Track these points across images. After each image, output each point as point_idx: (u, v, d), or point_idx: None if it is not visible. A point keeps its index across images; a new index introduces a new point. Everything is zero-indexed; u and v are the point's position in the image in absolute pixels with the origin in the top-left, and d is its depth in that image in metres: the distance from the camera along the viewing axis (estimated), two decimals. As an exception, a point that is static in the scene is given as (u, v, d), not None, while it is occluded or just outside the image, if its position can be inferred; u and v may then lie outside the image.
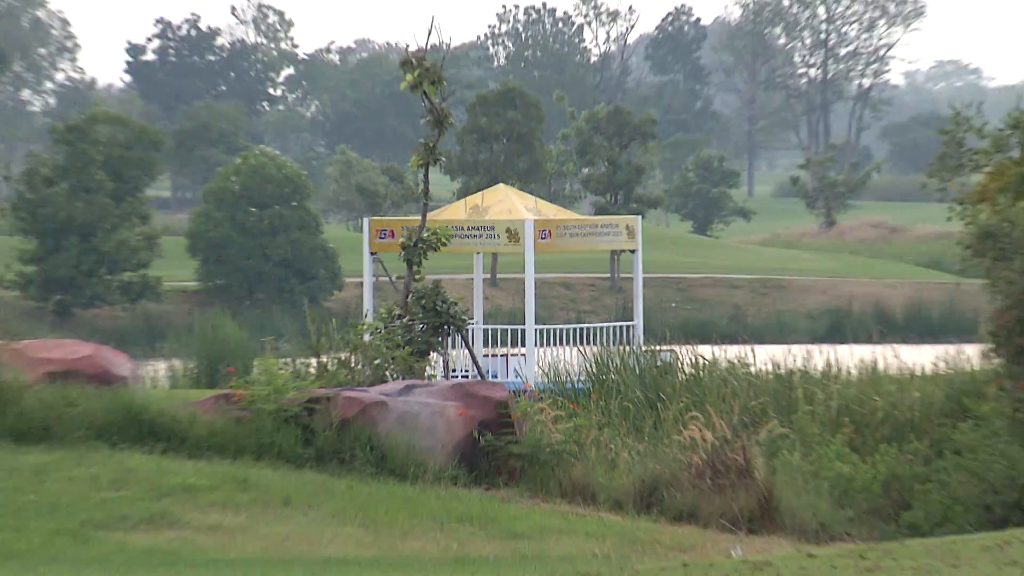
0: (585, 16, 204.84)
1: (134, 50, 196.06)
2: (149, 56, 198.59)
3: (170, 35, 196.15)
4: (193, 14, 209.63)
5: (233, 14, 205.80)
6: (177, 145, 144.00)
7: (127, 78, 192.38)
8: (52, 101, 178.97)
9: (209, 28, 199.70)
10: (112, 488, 43.14)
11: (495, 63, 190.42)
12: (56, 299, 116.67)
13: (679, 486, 46.27)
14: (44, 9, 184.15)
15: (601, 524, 44.02)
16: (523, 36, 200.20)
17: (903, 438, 53.50)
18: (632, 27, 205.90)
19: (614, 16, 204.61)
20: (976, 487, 48.50)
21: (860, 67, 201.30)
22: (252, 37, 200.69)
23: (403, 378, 51.06)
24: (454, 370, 56.20)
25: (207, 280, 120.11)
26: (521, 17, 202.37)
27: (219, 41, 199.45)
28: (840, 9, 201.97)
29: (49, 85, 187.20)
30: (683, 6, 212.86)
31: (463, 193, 79.88)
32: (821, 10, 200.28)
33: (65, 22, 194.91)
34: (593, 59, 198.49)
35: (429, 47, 62.66)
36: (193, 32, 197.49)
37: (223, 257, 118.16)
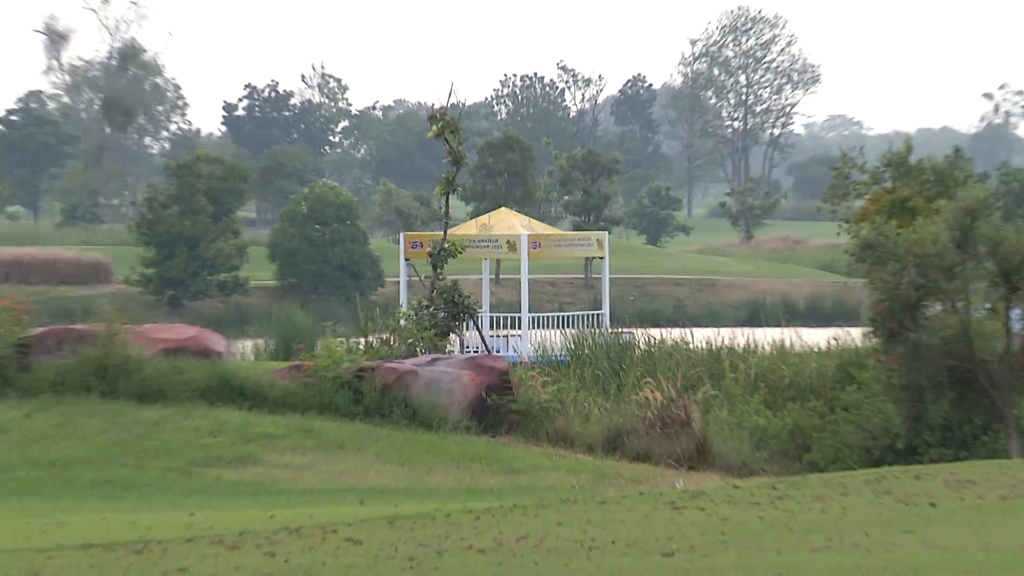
0: (565, 82, 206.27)
1: (228, 107, 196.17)
2: (240, 112, 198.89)
3: (255, 96, 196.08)
4: (273, 80, 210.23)
5: (303, 80, 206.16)
6: (260, 178, 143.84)
7: (223, 128, 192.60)
8: (167, 145, 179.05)
9: (284, 91, 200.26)
10: (210, 436, 44.22)
11: (498, 117, 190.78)
12: (169, 294, 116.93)
13: (636, 434, 47.43)
14: (161, 77, 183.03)
15: (578, 463, 45.32)
16: (519, 97, 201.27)
17: (804, 398, 54.33)
18: (600, 90, 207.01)
19: (587, 82, 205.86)
20: (859, 435, 50.02)
21: (771, 120, 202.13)
22: (317, 97, 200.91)
23: (429, 353, 51.88)
24: (467, 347, 56.89)
25: (282, 279, 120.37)
26: (518, 83, 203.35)
27: (292, 100, 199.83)
28: (756, 77, 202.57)
29: (164, 134, 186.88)
30: (639, 74, 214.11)
31: (474, 214, 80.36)
32: (742, 78, 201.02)
33: (177, 86, 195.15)
34: (572, 114, 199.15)
35: (449, 105, 64.59)
36: (273, 94, 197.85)
37: (294, 262, 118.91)
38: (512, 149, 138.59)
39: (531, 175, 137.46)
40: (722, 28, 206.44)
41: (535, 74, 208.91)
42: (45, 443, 43.71)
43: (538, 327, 66.91)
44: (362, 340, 55.42)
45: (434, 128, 64.27)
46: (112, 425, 44.61)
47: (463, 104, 79.80)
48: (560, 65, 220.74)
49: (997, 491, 32.12)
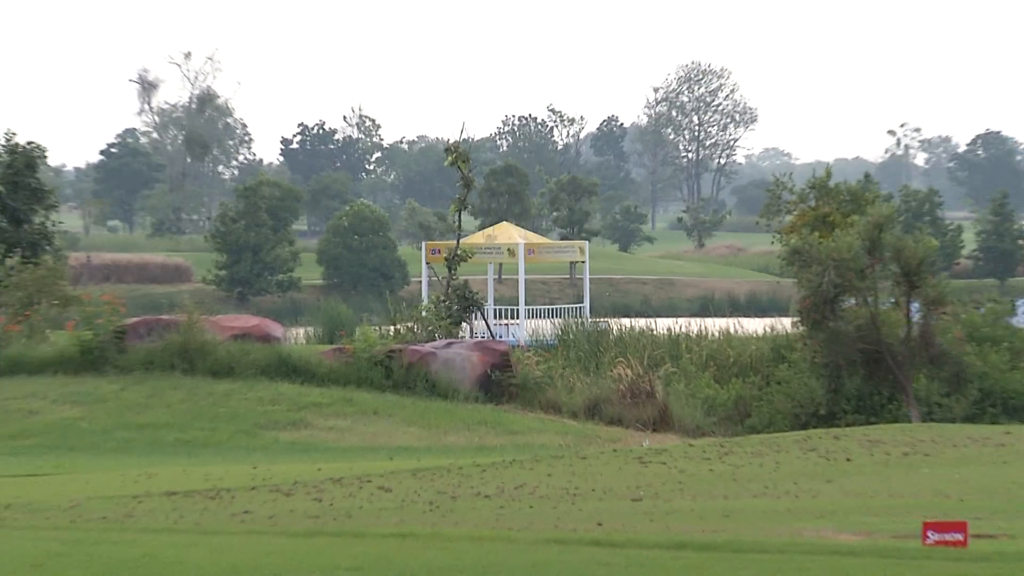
0: (554, 121, 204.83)
1: (285, 141, 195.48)
2: (294, 145, 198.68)
3: (306, 132, 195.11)
4: (320, 119, 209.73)
5: (344, 120, 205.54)
6: (310, 199, 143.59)
7: (281, 158, 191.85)
8: (236, 172, 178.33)
9: (330, 128, 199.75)
10: (270, 404, 44.19)
11: (500, 149, 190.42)
12: (237, 290, 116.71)
13: (611, 403, 47.34)
14: (231, 117, 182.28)
15: (564, 426, 45.25)
16: (517, 133, 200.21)
17: (745, 374, 53.79)
18: (582, 128, 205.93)
19: (571, 121, 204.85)
20: (789, 404, 49.46)
21: (718, 152, 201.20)
22: (355, 134, 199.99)
23: (445, 338, 51.71)
24: (476, 333, 56.61)
25: (328, 279, 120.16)
26: (516, 122, 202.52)
27: (336, 136, 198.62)
28: (706, 117, 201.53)
29: (233, 163, 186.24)
30: (613, 115, 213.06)
31: (481, 227, 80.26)
32: (695, 118, 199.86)
33: (244, 124, 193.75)
34: (559, 147, 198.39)
35: (461, 139, 65.44)
36: (320, 131, 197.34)
37: (337, 265, 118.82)
38: (511, 175, 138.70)
39: (526, 196, 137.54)
40: (679, 78, 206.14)
41: (530, 115, 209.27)
42: (137, 411, 43.85)
43: (532, 317, 66.70)
44: (391, 328, 55.38)
45: (449, 158, 64.74)
46: (191, 396, 44.73)
47: (472, 139, 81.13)
48: (550, 108, 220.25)
49: (900, 448, 32.12)
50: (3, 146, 66.34)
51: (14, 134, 66.99)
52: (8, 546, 16.81)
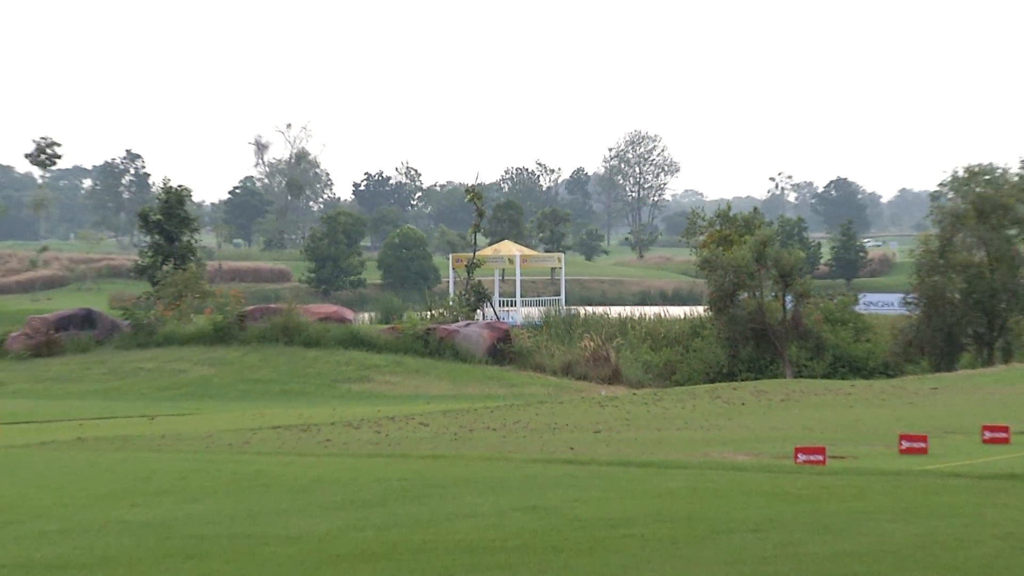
0: (540, 171, 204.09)
1: (355, 185, 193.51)
2: (362, 187, 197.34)
3: (370, 179, 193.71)
4: (380, 169, 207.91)
5: (396, 170, 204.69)
6: (373, 224, 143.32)
7: (352, 196, 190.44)
8: (321, 205, 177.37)
9: (385, 175, 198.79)
10: (344, 365, 44.14)
11: (503, 189, 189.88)
12: (322, 287, 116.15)
13: (579, 364, 47.39)
14: (318, 168, 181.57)
15: (547, 381, 45.29)
16: (514, 178, 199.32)
17: (672, 344, 52.85)
18: (559, 175, 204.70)
19: (552, 171, 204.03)
20: (702, 365, 49.20)
21: (653, 192, 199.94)
22: (404, 179, 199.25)
23: (465, 320, 51.02)
24: (486, 317, 56.07)
25: (384, 280, 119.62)
26: (514, 172, 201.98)
27: (390, 180, 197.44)
28: (644, 168, 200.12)
29: (320, 199, 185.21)
30: (581, 167, 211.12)
31: (490, 243, 79.99)
32: (637, 169, 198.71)
33: (327, 173, 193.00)
34: (543, 188, 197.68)
35: (476, 183, 65.16)
36: (379, 177, 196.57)
37: (392, 270, 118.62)
38: (511, 208, 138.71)
39: (521, 222, 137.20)
40: (626, 141, 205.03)
41: (523, 167, 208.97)
42: (252, 370, 43.80)
43: (525, 306, 66.61)
44: (428, 313, 55.29)
45: (468, 196, 65.45)
46: (289, 360, 44.54)
47: (483, 183, 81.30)
48: (537, 161, 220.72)
49: (779, 396, 32.07)
50: (161, 188, 67.17)
51: (168, 179, 67.81)
52: (163, 464, 16.86)
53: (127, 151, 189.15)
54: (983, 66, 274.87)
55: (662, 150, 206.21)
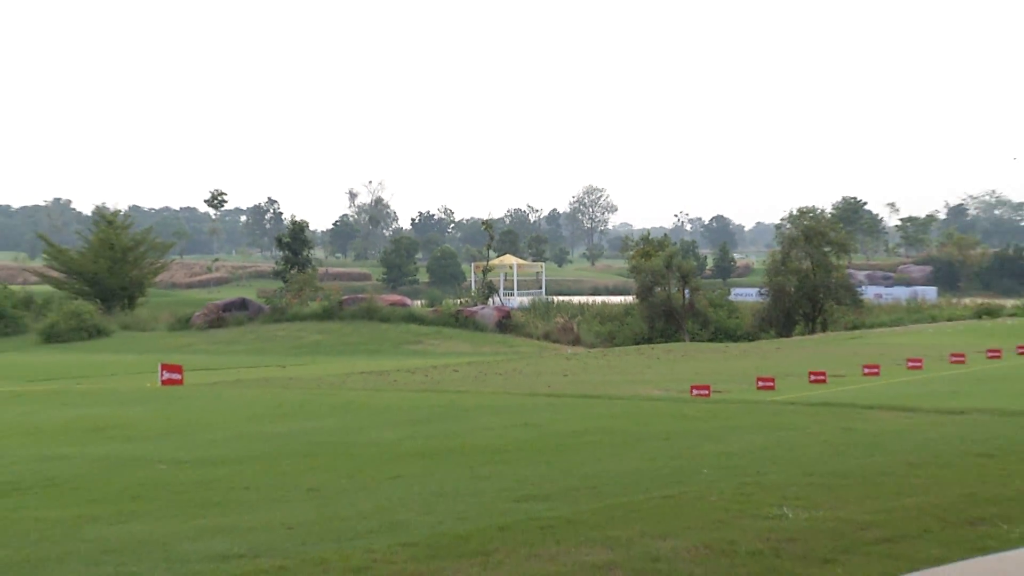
0: (529, 210, 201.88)
1: (413, 220, 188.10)
2: (417, 220, 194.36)
3: (421, 215, 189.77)
4: (428, 209, 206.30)
5: (438, 210, 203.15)
6: (423, 244, 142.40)
7: (410, 226, 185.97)
8: (390, 232, 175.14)
9: (430, 212, 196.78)
10: (404, 333, 44.41)
11: (506, 222, 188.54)
12: (391, 284, 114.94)
13: (554, 333, 47.21)
14: (390, 208, 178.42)
15: (533, 344, 45.21)
16: (514, 215, 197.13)
17: (613, 319, 51.07)
18: (542, 213, 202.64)
19: (537, 210, 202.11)
20: (631, 333, 47.67)
21: (600, 224, 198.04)
22: (443, 215, 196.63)
23: (481, 304, 50.67)
24: (495, 303, 55.79)
25: (430, 280, 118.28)
26: (512, 210, 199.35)
27: (434, 216, 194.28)
28: (595, 209, 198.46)
29: (391, 228, 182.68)
30: (554, 208, 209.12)
31: (498, 256, 79.37)
32: (591, 209, 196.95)
33: (395, 211, 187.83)
34: (531, 221, 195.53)
35: (488, 218, 64.43)
36: (427, 214, 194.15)
37: (435, 273, 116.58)
38: (511, 234, 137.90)
39: (517, 243, 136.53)
40: (584, 191, 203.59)
41: (518, 207, 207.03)
42: (347, 336, 43.27)
43: (519, 296, 66.55)
44: (458, 300, 55.12)
45: (484, 227, 65.39)
46: (370, 330, 44.12)
47: (493, 218, 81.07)
48: (528, 204, 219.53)
49: (680, 353, 31.90)
50: (290, 221, 66.83)
51: (294, 216, 68.45)
52: (289, 396, 16.75)
53: (268, 197, 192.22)
54: (812, 129, 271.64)
55: (606, 197, 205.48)
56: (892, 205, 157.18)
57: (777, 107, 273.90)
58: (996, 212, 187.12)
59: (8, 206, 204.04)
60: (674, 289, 48.67)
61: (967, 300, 62.37)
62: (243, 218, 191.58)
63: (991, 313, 50.81)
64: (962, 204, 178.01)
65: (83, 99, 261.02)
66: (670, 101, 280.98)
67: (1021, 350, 28.30)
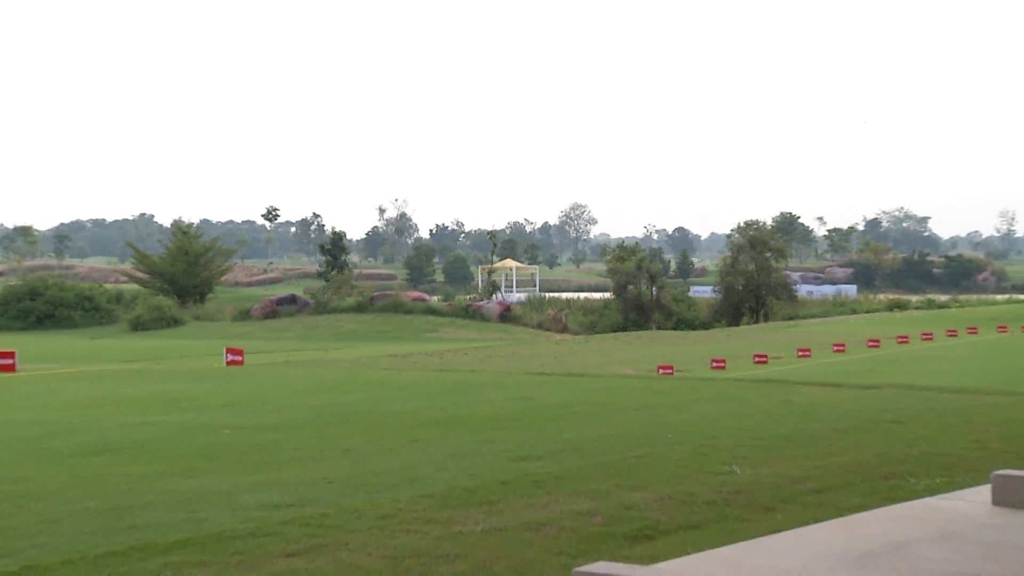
0: (525, 222, 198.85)
1: (431, 231, 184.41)
2: (434, 231, 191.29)
3: (437, 227, 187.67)
4: (443, 222, 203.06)
5: (451, 222, 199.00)
6: (440, 251, 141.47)
7: (429, 235, 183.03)
8: (412, 241, 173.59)
9: (445, 224, 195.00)
10: (423, 323, 43.53)
11: (507, 233, 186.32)
12: (413, 283, 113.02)
13: (546, 323, 46.65)
14: (412, 221, 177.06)
15: (529, 332, 44.61)
16: (513, 227, 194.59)
17: (595, 312, 50.12)
18: (536, 225, 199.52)
19: (532, 223, 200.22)
20: (610, 323, 46.71)
21: (583, 234, 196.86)
22: (455, 227, 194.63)
23: (487, 300, 50.26)
24: (498, 298, 55.42)
25: (445, 279, 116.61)
26: (512, 223, 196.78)
27: (448, 228, 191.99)
28: (579, 222, 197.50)
29: (412, 238, 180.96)
30: (547, 220, 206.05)
31: (500, 260, 78.66)
32: (576, 223, 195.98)
33: (416, 224, 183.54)
34: (527, 231, 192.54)
35: (493, 229, 63.69)
36: (442, 225, 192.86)
37: (449, 274, 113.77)
38: (511, 242, 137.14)
39: (516, 250, 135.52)
40: (570, 207, 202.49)
41: (516, 220, 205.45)
42: (377, 325, 42.71)
43: (518, 293, 66.24)
44: (468, 296, 54.81)
45: (489, 236, 65.54)
46: (396, 321, 43.59)
47: (496, 228, 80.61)
48: (524, 217, 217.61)
49: (649, 339, 31.85)
50: (331, 232, 66.47)
51: (335, 227, 68.33)
52: (329, 374, 16.65)
53: (313, 212, 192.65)
54: (757, 156, 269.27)
55: (588, 212, 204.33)
56: (820, 219, 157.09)
57: (728, 138, 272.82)
58: (904, 224, 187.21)
59: (103, 219, 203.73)
60: (644, 287, 48.54)
61: (881, 296, 62.53)
62: (292, 229, 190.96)
63: (900, 306, 50.97)
64: (877, 218, 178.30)
65: (165, 129, 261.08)
66: (643, 133, 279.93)
67: (924, 336, 28.31)
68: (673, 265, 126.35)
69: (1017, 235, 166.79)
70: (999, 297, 67.32)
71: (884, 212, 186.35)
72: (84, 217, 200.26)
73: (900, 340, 26.86)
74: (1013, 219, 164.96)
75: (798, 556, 2.25)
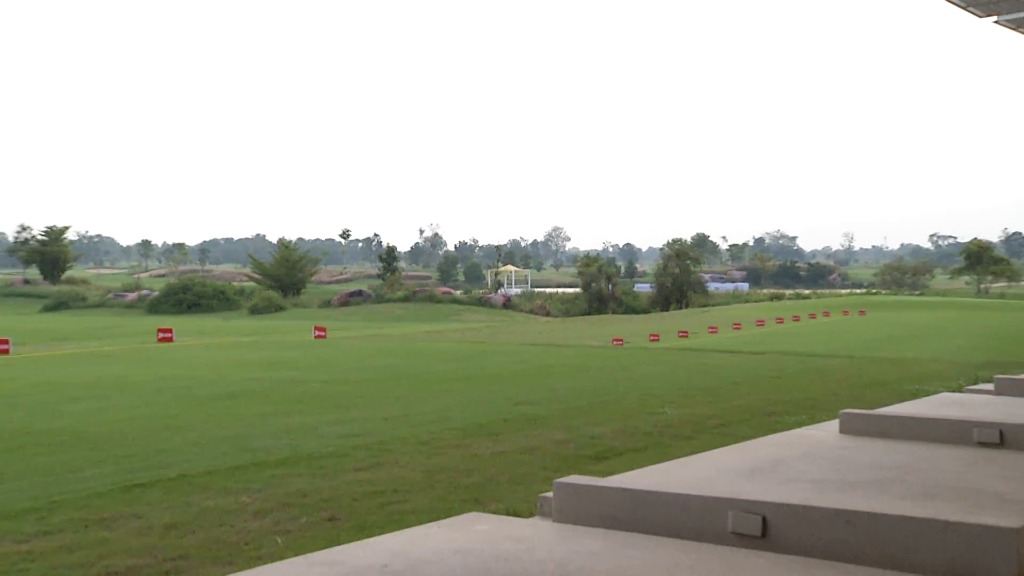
0: (520, 240, 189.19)
1: (455, 247, 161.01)
2: (458, 245, 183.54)
3: (460, 244, 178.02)
4: (464, 239, 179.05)
5: (470, 239, 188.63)
6: (462, 260, 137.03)
7: (455, 248, 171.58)
8: (443, 252, 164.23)
9: (464, 242, 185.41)
10: (447, 310, 41.25)
11: (506, 248, 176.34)
12: (444, 281, 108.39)
13: (536, 310, 43.84)
14: (443, 238, 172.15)
15: (525, 315, 42.09)
16: (511, 243, 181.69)
17: (568, 303, 47.05)
18: (527, 241, 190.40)
19: (525, 239, 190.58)
20: (580, 309, 44.70)
21: (560, 248, 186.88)
22: (470, 242, 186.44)
23: (494, 293, 49.10)
24: (502, 292, 54.34)
25: (466, 280, 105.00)
26: (510, 240, 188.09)
27: (467, 243, 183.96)
28: (557, 239, 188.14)
29: (444, 249, 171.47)
30: (535, 239, 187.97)
31: (503, 265, 77.07)
32: (556, 239, 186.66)
33: (445, 240, 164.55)
34: (521, 245, 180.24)
35: (500, 245, 61.00)
36: (464, 242, 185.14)
37: (468, 275, 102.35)
38: (511, 254, 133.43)
39: (515, 259, 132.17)
40: (551, 228, 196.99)
41: (513, 238, 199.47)
42: (417, 311, 41.28)
43: (516, 288, 65.27)
44: (481, 291, 53.87)
45: (496, 250, 64.26)
46: (430, 308, 42.07)
47: (500, 244, 78.32)
48: (519, 235, 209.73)
49: (607, 322, 31.07)
50: (387, 247, 65.66)
51: (389, 243, 66.65)
52: (383, 346, 16.38)
53: (374, 232, 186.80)
54: (682, 189, 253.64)
55: (564, 232, 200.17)
56: (724, 237, 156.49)
57: (661, 177, 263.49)
58: (780, 241, 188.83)
59: (231, 237, 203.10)
60: (603, 285, 48.19)
61: (765, 291, 62.58)
62: (359, 244, 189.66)
63: (778, 298, 51.02)
64: (762, 236, 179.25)
65: (274, 169, 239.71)
66: (603, 173, 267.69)
67: (794, 318, 28.25)
68: (623, 269, 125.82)
69: (855, 249, 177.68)
70: (843, 291, 68.26)
71: (767, 232, 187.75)
72: (219, 236, 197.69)
73: (778, 321, 26.90)
74: (852, 238, 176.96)
75: (709, 470, 2.38)
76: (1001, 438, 2.66)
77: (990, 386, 4.08)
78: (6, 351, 13.74)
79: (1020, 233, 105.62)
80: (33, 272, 56.14)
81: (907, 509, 1.67)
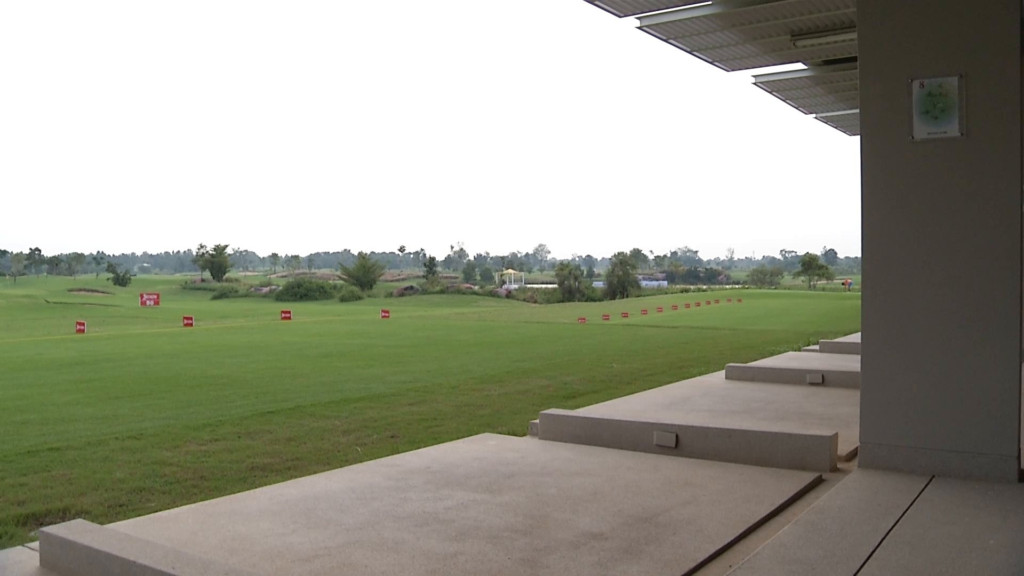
0: (516, 252, 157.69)
1: (475, 257, 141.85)
2: (476, 256, 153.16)
3: (478, 255, 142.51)
4: (481, 251, 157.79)
5: (485, 251, 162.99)
6: (478, 266, 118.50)
7: (473, 258, 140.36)
8: (466, 260, 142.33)
9: (482, 252, 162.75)
10: (469, 299, 38.32)
11: (506, 258, 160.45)
12: (467, 281, 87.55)
13: (530, 300, 40.01)
14: (466, 249, 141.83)
15: (520, 303, 38.34)
16: (511, 255, 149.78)
17: (549, 294, 41.36)
18: (521, 253, 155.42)
19: (520, 252, 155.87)
20: (558, 299, 40.67)
21: (544, 257, 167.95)
22: (484, 253, 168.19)
23: (500, 288, 47.02)
24: (506, 287, 52.28)
25: (482, 281, 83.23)
26: (509, 253, 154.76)
27: (482, 254, 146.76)
28: (541, 253, 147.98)
29: (468, 257, 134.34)
30: (528, 251, 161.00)
31: (507, 269, 71.73)
32: (542, 252, 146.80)
33: (466, 251, 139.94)
34: (520, 256, 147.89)
35: (506, 255, 57.42)
36: (480, 253, 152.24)
37: (485, 277, 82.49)
38: (513, 262, 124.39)
39: (514, 265, 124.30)
40: (537, 244, 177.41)
41: (512, 251, 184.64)
42: (447, 300, 39.11)
43: (515, 284, 61.20)
44: (491, 286, 52.19)
45: (503, 260, 62.25)
46: (459, 298, 39.32)
47: (503, 255, 73.80)
48: (514, 251, 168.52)
49: (574, 307, 28.88)
50: (428, 258, 63.91)
51: (430, 254, 64.59)
52: (427, 323, 15.74)
53: (421, 248, 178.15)
54: (628, 211, 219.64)
55: (546, 247, 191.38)
56: (651, 251, 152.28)
57: (614, 204, 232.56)
58: (687, 253, 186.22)
59: (328, 251, 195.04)
60: (572, 283, 47.21)
61: (678, 286, 61.75)
62: (411, 255, 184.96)
63: (686, 291, 49.85)
64: (676, 250, 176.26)
65: (357, 198, 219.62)
66: (571, 202, 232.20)
67: (696, 304, 26.52)
68: (585, 272, 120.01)
69: (735, 259, 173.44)
70: (727, 287, 69.13)
71: (679, 247, 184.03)
72: (320, 250, 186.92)
73: (686, 306, 26.42)
74: (733, 251, 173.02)
75: (641, 403, 2.81)
76: (823, 379, 3.18)
77: (817, 347, 4.79)
78: (191, 324, 14.92)
79: (834, 249, 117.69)
80: (206, 274, 60.14)
81: (766, 426, 2.06)
